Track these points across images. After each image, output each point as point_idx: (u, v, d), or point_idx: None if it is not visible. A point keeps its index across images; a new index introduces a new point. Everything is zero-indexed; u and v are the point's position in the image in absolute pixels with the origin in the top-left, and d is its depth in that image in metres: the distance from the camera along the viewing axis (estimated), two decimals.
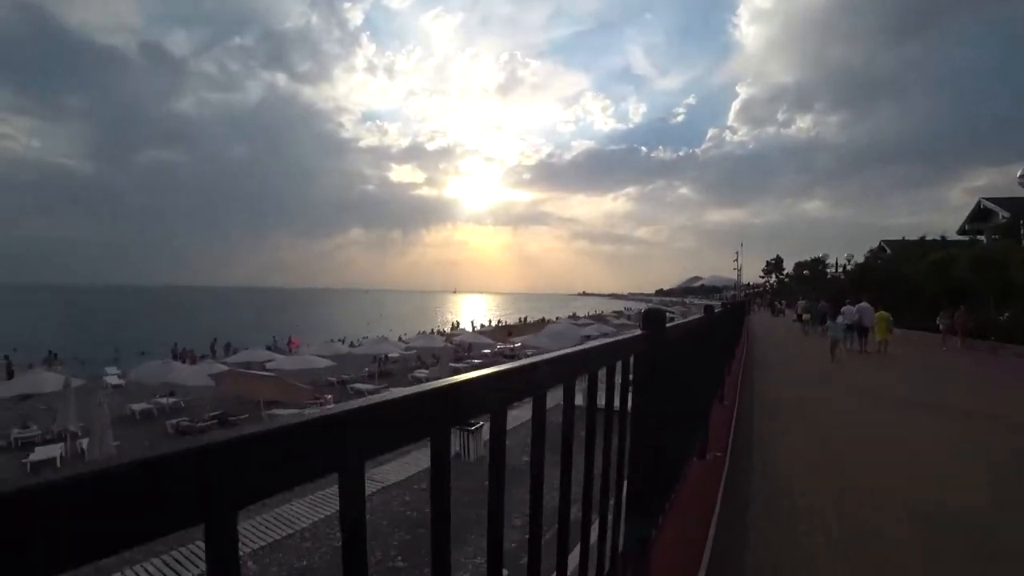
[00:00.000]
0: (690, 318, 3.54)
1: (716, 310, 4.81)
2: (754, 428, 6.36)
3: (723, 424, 5.17)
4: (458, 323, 65.56)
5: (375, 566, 7.42)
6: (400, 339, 34.72)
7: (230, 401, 16.67)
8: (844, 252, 47.62)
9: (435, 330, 50.96)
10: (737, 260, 57.38)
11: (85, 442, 12.74)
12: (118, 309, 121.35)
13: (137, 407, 17.23)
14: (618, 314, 71.57)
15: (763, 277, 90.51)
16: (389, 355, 26.24)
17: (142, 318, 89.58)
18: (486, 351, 31.03)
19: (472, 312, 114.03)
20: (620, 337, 1.69)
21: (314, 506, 9.50)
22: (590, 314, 75.51)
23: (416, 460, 11.87)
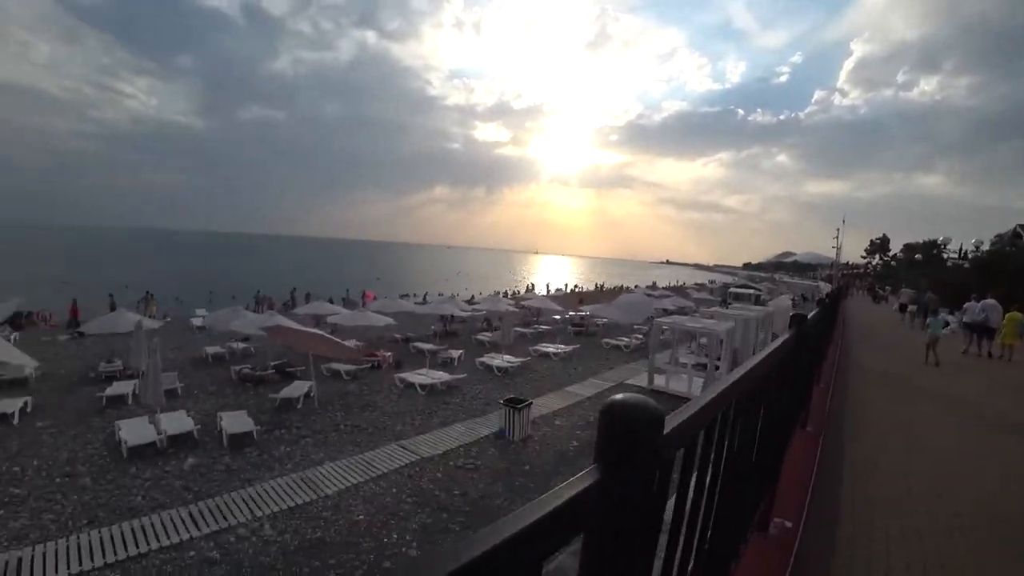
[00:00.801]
0: (773, 344, 2.34)
1: (810, 315, 3.47)
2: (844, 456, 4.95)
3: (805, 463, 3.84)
4: (532, 285, 64.76)
5: (387, 550, 6.87)
6: (472, 299, 34.52)
7: (294, 352, 16.97)
8: (967, 236, 41.14)
9: (508, 291, 50.65)
10: (837, 237, 51.43)
11: None
12: (220, 255, 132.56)
13: (211, 350, 18.13)
14: (700, 286, 67.63)
15: (865, 257, 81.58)
16: (455, 315, 25.93)
17: (240, 264, 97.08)
18: (556, 317, 30.09)
19: (549, 275, 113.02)
20: None
21: (345, 471, 9.14)
22: (670, 284, 72.02)
23: (458, 434, 11.31)
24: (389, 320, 19.85)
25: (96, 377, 14.79)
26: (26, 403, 11.83)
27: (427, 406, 13.27)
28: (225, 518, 7.54)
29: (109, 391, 12.95)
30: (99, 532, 7.15)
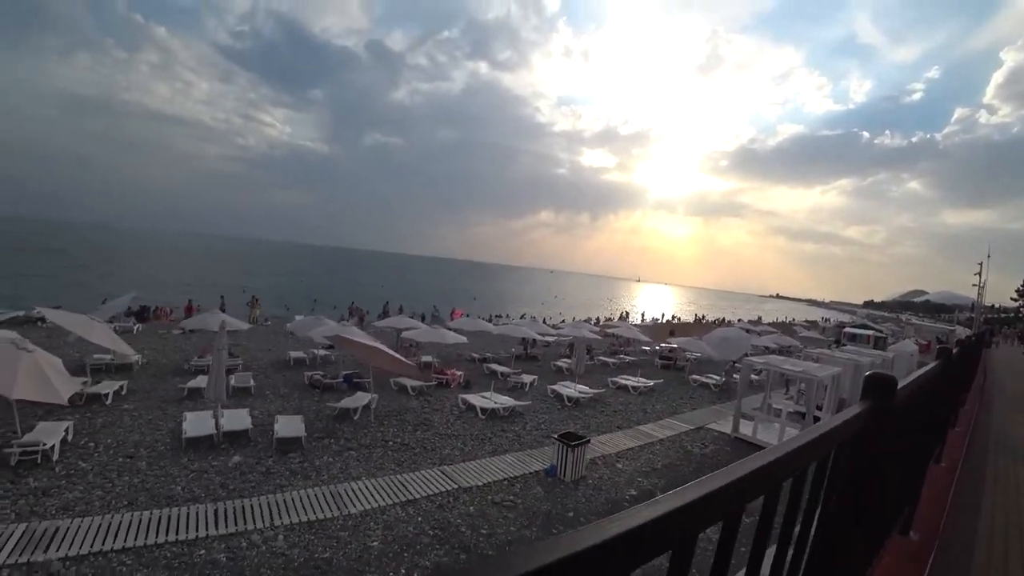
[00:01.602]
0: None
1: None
2: None
3: None
4: (626, 313, 62.31)
5: None
6: (558, 323, 33.65)
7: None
8: None
9: (599, 318, 49.02)
10: (979, 274, 43.59)
11: (232, 378, 14.04)
12: (338, 267, 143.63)
13: (294, 354, 18.95)
14: (810, 324, 60.74)
15: (1017, 300, 68.81)
16: (536, 339, 25.17)
17: (353, 276, 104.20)
18: (644, 348, 28.31)
19: (649, 303, 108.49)
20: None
21: (376, 491, 8.64)
22: (776, 320, 65.62)
23: (506, 465, 10.43)
24: (461, 338, 19.55)
25: (188, 370, 15.92)
26: (121, 387, 12.91)
27: (483, 431, 12.55)
28: (245, 521, 7.33)
29: (191, 383, 13.74)
30: (131, 516, 7.25)
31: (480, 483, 9.32)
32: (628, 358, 25.43)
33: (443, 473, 9.64)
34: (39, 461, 8.66)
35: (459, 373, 18.17)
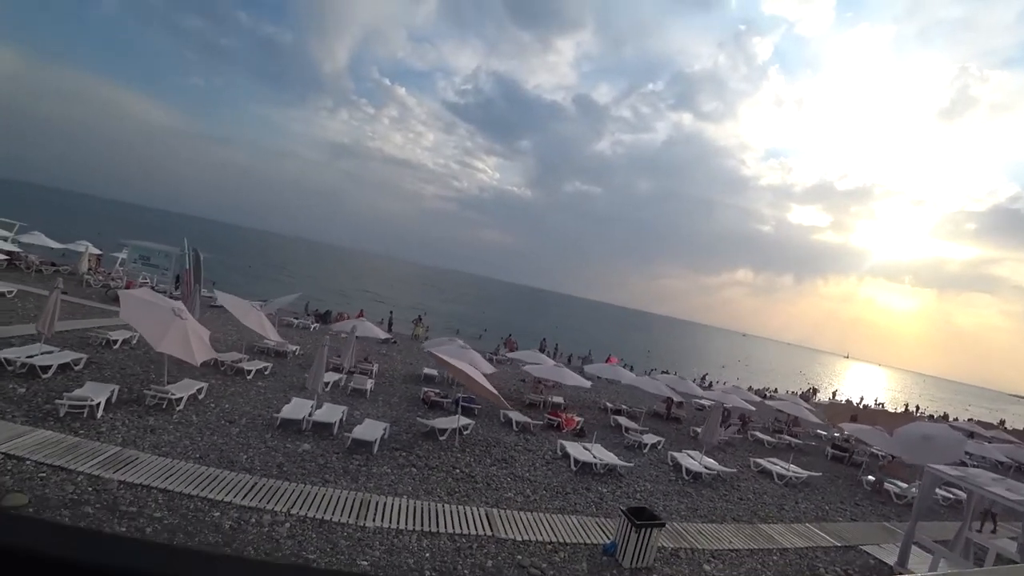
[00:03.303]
0: None
1: None
2: None
3: None
4: (815, 390, 52.20)
5: None
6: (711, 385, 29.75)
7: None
8: None
9: (783, 392, 42.03)
10: None
11: (353, 380, 15.29)
12: (521, 304, 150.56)
13: (428, 370, 19.86)
14: None
15: None
16: (674, 398, 22.25)
17: (530, 313, 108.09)
18: (821, 432, 23.09)
19: (855, 384, 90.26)
20: None
21: (407, 513, 8.14)
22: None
23: (564, 528, 9.05)
24: (584, 382, 18.32)
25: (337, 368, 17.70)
26: (266, 367, 14.99)
27: (565, 484, 11.19)
28: (268, 501, 7.57)
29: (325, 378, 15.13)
30: (193, 467, 8.15)
31: (520, 539, 8.14)
32: (795, 441, 20.98)
33: (486, 516, 8.71)
34: (164, 407, 10.37)
35: (579, 419, 16.93)
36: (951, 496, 15.88)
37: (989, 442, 23.86)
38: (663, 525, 8.35)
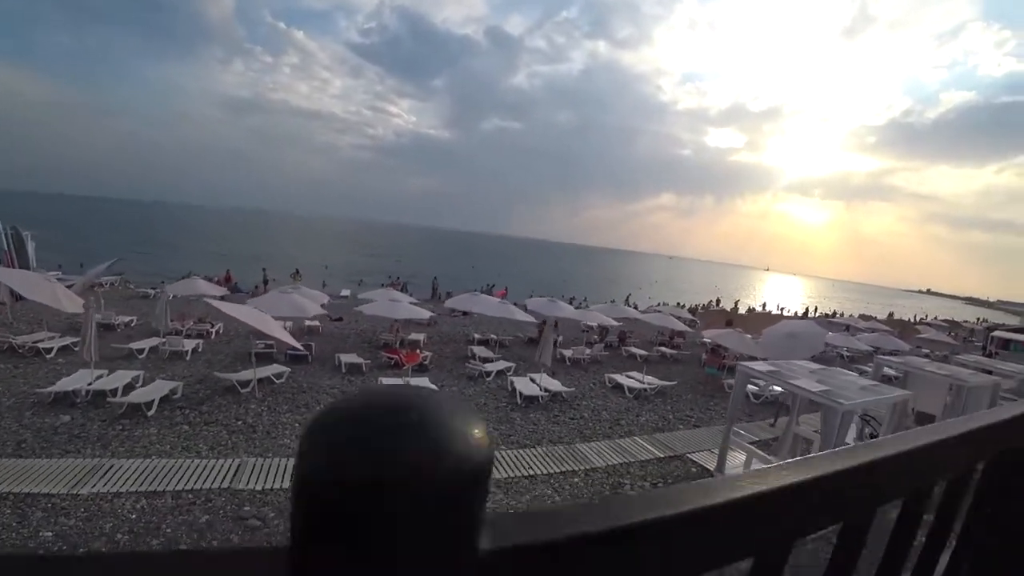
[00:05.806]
0: None
1: None
2: None
3: None
4: (718, 300, 53.64)
5: None
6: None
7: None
8: None
9: (696, 306, 42.89)
10: None
11: None
12: (454, 250, 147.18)
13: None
14: (951, 325, 46.21)
15: None
16: (526, 320, 20.94)
17: (446, 259, 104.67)
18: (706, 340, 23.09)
19: (774, 294, 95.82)
20: None
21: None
22: (918, 319, 52.45)
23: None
24: (421, 313, 17.36)
25: None
26: (75, 343, 13.03)
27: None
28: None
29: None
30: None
31: (259, 488, 7.12)
32: (671, 352, 20.87)
33: (237, 468, 7.75)
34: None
35: (425, 354, 15.69)
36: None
37: (858, 333, 25.16)
38: None
